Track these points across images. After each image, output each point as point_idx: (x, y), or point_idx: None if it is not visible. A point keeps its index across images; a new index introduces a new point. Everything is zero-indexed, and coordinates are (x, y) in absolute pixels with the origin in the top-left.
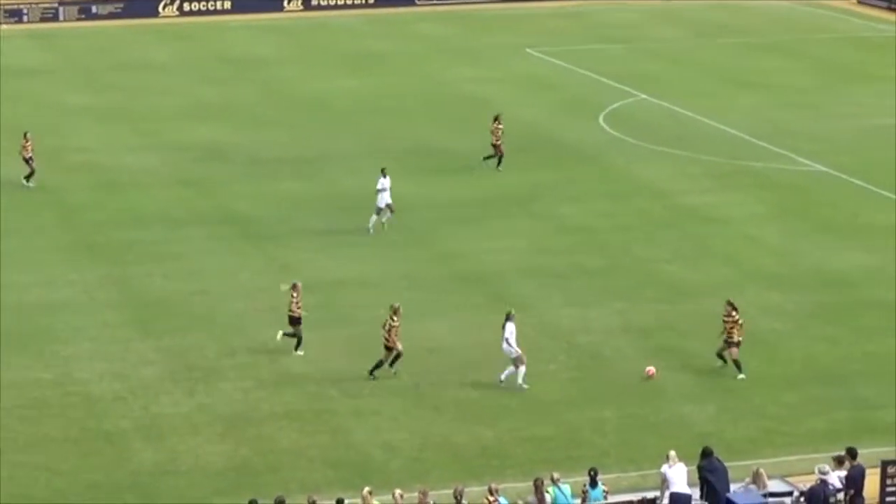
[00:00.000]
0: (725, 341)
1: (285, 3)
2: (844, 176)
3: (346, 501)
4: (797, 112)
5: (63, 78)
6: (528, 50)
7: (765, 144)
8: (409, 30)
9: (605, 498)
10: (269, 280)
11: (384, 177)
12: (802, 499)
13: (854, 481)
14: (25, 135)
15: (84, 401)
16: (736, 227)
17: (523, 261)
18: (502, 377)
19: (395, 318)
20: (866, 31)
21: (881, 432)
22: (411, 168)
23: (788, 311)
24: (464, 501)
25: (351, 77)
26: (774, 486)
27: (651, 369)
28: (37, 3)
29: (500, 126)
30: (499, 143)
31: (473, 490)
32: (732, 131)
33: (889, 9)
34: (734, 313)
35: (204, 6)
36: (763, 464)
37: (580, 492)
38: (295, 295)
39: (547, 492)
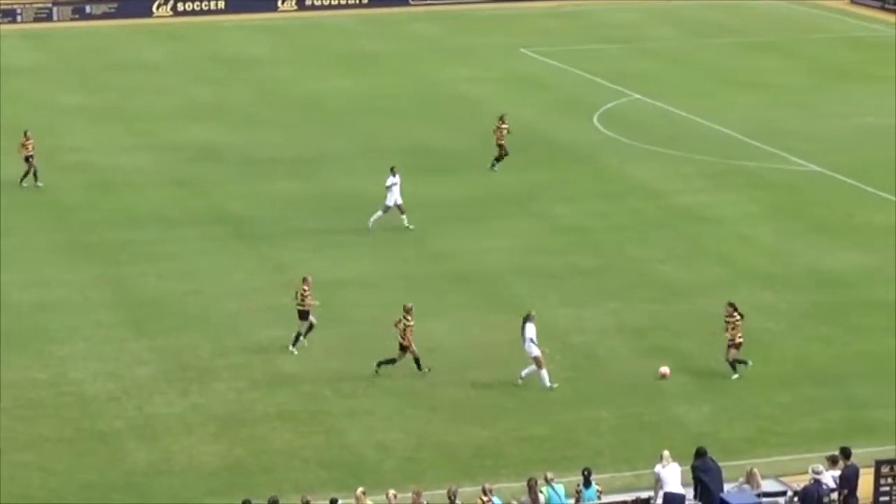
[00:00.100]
0: (729, 345)
1: (279, 3)
2: (838, 175)
3: (339, 502)
4: (791, 111)
5: (57, 78)
6: (522, 50)
7: (758, 144)
8: (403, 30)
9: (599, 498)
10: (264, 280)
11: (393, 175)
12: (796, 498)
13: (848, 481)
14: (26, 133)
15: (78, 401)
16: (729, 227)
17: (518, 261)
18: (522, 374)
19: (408, 318)
20: (860, 30)
21: (875, 432)
22: (406, 168)
23: (782, 310)
24: (458, 502)
25: (345, 77)
26: (768, 485)
27: (665, 369)
28: (30, 3)
29: (505, 125)
30: (503, 142)
31: (467, 490)
32: (726, 131)
33: (883, 9)
34: (735, 314)
35: (198, 6)
36: (757, 463)
37: (574, 492)
38: (306, 289)
39: (541, 492)
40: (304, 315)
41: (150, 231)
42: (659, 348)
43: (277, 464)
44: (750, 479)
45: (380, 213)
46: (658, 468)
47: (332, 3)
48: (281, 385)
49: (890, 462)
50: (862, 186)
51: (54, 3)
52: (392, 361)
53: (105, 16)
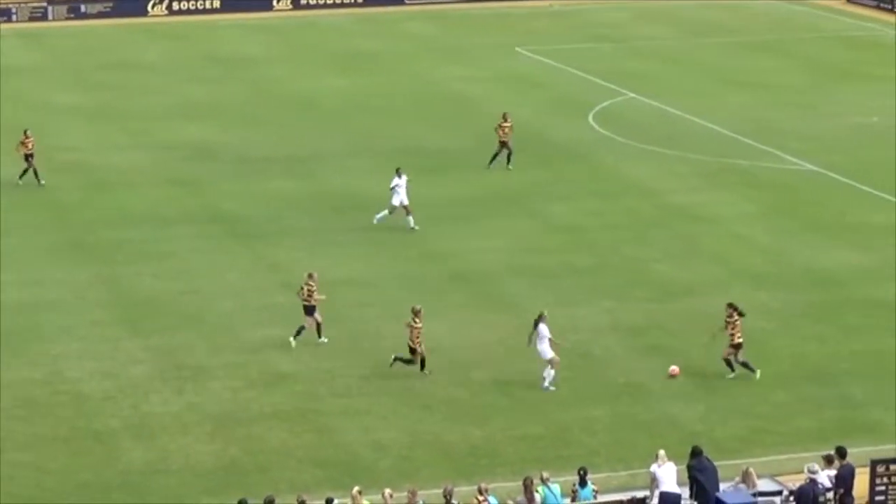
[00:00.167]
0: (731, 345)
1: (274, 3)
2: (833, 174)
3: (335, 501)
4: (786, 111)
5: (52, 77)
6: (517, 49)
7: (753, 143)
8: (398, 29)
9: (595, 497)
10: (259, 279)
11: (399, 176)
12: (792, 498)
13: (843, 480)
14: (26, 132)
15: (74, 400)
16: (725, 226)
17: (513, 260)
18: (546, 383)
19: (416, 320)
20: (855, 30)
21: (870, 431)
22: (401, 167)
23: (777, 309)
24: (453, 501)
25: (340, 76)
26: (764, 485)
27: (675, 369)
28: (26, 3)
29: (507, 124)
30: (506, 140)
31: (463, 489)
32: (721, 130)
33: (878, 8)
34: (735, 314)
35: (193, 5)
36: (752, 463)
37: (570, 491)
38: (312, 284)
39: (536, 491)
40: (309, 310)
41: (145, 230)
42: (654, 347)
43: (273, 463)
44: (745, 478)
45: (385, 212)
46: (654, 467)
47: (327, 2)
48: (276, 384)
49: (885, 461)
50: (857, 186)
51: (49, 3)
52: (409, 361)
53: (100, 15)
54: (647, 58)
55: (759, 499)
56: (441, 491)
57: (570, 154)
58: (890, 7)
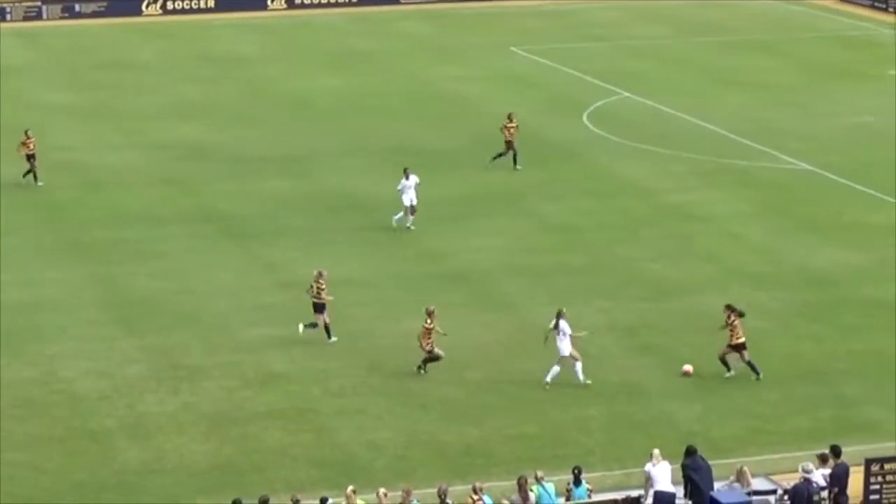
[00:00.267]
0: (730, 346)
1: (269, 2)
2: (828, 174)
3: (330, 500)
4: (781, 110)
5: (46, 76)
6: (511, 48)
7: (748, 142)
8: (392, 28)
9: (590, 496)
10: (253, 279)
11: (406, 178)
12: (786, 497)
13: (838, 479)
14: (27, 132)
15: (69, 399)
16: (719, 226)
17: (507, 259)
18: (581, 377)
19: (428, 321)
20: (850, 29)
21: (865, 430)
22: (395, 167)
23: (772, 309)
24: (448, 500)
25: (335, 76)
26: (758, 484)
27: (688, 367)
28: (20, 2)
29: (513, 124)
30: (511, 140)
31: (458, 489)
32: (716, 129)
33: (873, 7)
34: (732, 316)
35: (187, 5)
36: (747, 462)
37: (564, 490)
38: (321, 282)
39: (531, 490)
40: (318, 308)
41: (139, 230)
42: (649, 347)
43: (268, 462)
44: (740, 477)
45: (401, 214)
46: (648, 467)
47: (322, 1)
48: (271, 384)
49: (880, 460)
50: (852, 185)
51: (43, 2)
52: (427, 361)
53: (94, 14)
54: (641, 57)
55: (754, 498)
56: (436, 490)
57: (564, 153)
58: (885, 6)
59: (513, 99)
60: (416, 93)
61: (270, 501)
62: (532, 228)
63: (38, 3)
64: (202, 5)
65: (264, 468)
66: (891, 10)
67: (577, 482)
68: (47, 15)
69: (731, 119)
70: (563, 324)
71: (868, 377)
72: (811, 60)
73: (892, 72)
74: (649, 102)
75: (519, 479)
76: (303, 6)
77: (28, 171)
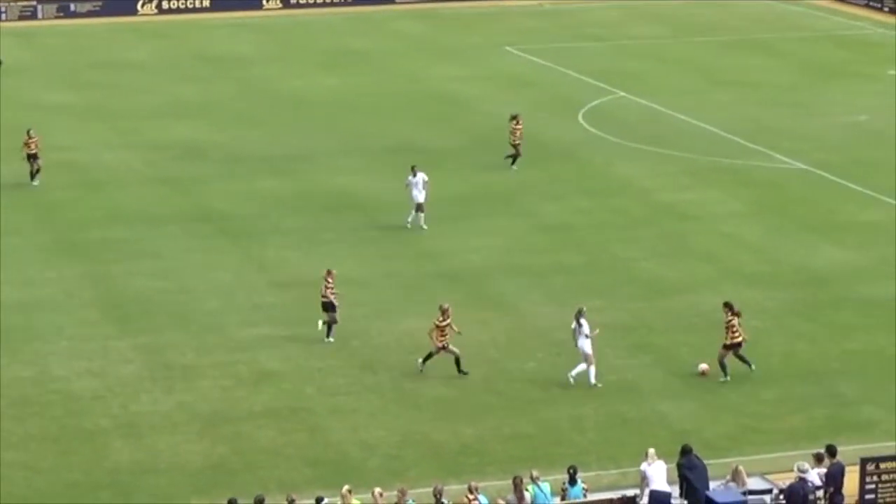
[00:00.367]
0: (725, 346)
1: (264, 2)
2: (823, 173)
3: (325, 500)
4: (776, 109)
5: (42, 76)
6: (507, 48)
7: (743, 142)
8: (388, 28)
9: (585, 496)
10: (248, 278)
11: (414, 175)
12: (782, 496)
13: (833, 479)
14: (29, 132)
15: (63, 399)
16: (714, 225)
17: (503, 259)
18: (593, 380)
19: (440, 318)
20: (846, 28)
21: (860, 429)
22: (392, 166)
23: (767, 308)
24: (443, 500)
25: (330, 75)
26: (754, 483)
27: (705, 366)
28: (15, 2)
29: (519, 126)
30: (517, 142)
31: (453, 488)
32: (711, 129)
33: (867, 6)
34: (729, 315)
35: (183, 4)
36: (742, 461)
37: (560, 490)
38: (329, 281)
39: (526, 490)
40: (327, 307)
41: (134, 229)
42: (644, 346)
43: (262, 462)
44: (735, 476)
45: (412, 213)
46: (644, 466)
47: (317, 0)
48: (265, 383)
49: (875, 459)
50: (847, 184)
51: (39, 1)
52: (457, 361)
53: (90, 14)
54: (636, 57)
55: (749, 497)
56: (431, 490)
57: (559, 153)
58: (880, 6)
59: (508, 98)
60: (411, 92)
61: (265, 501)
62: (527, 228)
63: (34, 3)
64: (197, 5)
65: (258, 467)
66: (886, 9)
67: (573, 481)
68: (42, 14)
69: (725, 118)
70: (583, 322)
71: (863, 376)
72: (805, 59)
73: (892, 71)
74: (644, 102)
75: (514, 479)
76: (298, 6)
77: (37, 172)
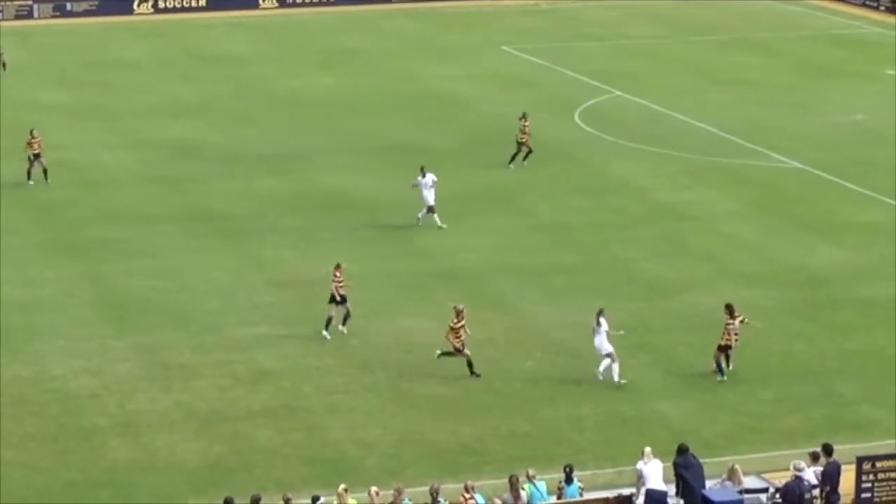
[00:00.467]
0: (719, 346)
1: (260, 1)
2: (821, 173)
3: (321, 499)
4: (773, 109)
5: (38, 75)
6: (503, 47)
7: (741, 141)
8: (385, 27)
9: (581, 495)
10: (245, 278)
11: (423, 175)
12: (778, 495)
13: (830, 477)
14: (32, 132)
15: (61, 398)
16: (712, 224)
17: (500, 258)
18: (601, 370)
19: (455, 320)
20: (843, 28)
21: (857, 429)
22: (388, 165)
23: (764, 307)
24: (440, 499)
25: (326, 74)
26: (750, 482)
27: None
28: (11, 1)
29: (528, 124)
30: (525, 140)
31: (450, 487)
32: (708, 128)
33: (864, 6)
34: (727, 316)
35: (179, 3)
36: (739, 460)
37: (556, 488)
38: (338, 275)
39: (522, 489)
40: (340, 300)
41: (131, 228)
42: (641, 345)
43: (259, 461)
44: (732, 475)
45: (424, 211)
46: (640, 465)
47: (313, 0)
48: (263, 382)
49: (872, 458)
50: (844, 184)
51: (35, 1)
52: (469, 364)
53: (86, 13)
54: (633, 56)
55: (746, 496)
56: (428, 489)
57: (556, 152)
58: (876, 5)
59: (505, 98)
60: (408, 92)
61: (262, 500)
62: (524, 227)
63: (30, 2)
64: (193, 4)
65: (255, 467)
66: (883, 8)
67: (569, 480)
68: (39, 14)
69: (722, 118)
70: (603, 321)
71: (860, 376)
72: (804, 59)
73: (890, 71)
74: (641, 101)
75: (510, 478)
76: (294, 5)
77: (44, 171)
